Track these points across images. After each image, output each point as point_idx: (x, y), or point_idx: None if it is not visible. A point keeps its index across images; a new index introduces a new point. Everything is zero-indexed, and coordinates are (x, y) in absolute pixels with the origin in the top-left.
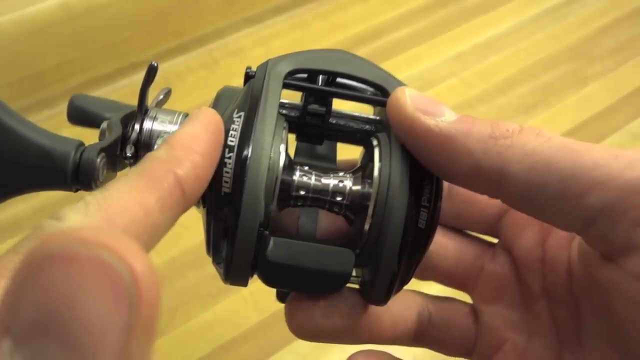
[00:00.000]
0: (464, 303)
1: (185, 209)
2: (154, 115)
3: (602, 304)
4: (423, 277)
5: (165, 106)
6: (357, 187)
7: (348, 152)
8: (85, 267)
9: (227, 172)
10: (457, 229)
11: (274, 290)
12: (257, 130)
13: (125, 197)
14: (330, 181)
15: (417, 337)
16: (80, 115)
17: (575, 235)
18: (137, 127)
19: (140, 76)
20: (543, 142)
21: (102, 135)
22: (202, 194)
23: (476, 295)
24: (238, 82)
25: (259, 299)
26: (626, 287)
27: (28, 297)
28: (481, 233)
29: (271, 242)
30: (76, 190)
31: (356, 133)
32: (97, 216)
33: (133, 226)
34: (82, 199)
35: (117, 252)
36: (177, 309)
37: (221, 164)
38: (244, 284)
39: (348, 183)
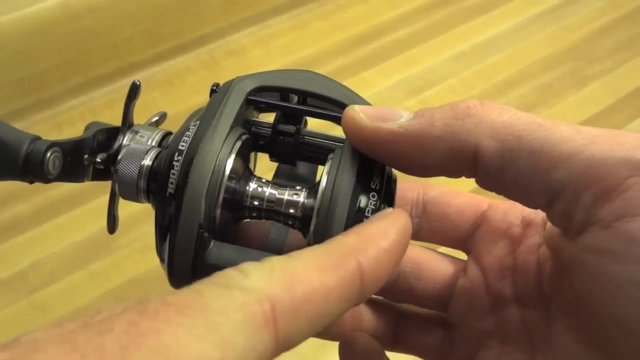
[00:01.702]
0: (438, 314)
1: (356, 303)
2: (136, 131)
3: (569, 291)
4: (400, 300)
5: (167, 102)
6: (310, 200)
7: None
8: None
9: (173, 174)
10: (430, 249)
11: None
12: (207, 137)
13: (309, 272)
14: (285, 193)
15: (395, 342)
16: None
17: (544, 233)
18: (118, 141)
19: (140, 76)
20: (511, 116)
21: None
22: (374, 293)
23: (450, 310)
24: None
25: None
26: (585, 262)
27: None
28: (453, 248)
29: (211, 245)
30: (31, 182)
31: (323, 152)
32: (279, 283)
33: (308, 303)
34: (269, 261)
35: None
36: None
37: (169, 166)
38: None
39: (302, 195)
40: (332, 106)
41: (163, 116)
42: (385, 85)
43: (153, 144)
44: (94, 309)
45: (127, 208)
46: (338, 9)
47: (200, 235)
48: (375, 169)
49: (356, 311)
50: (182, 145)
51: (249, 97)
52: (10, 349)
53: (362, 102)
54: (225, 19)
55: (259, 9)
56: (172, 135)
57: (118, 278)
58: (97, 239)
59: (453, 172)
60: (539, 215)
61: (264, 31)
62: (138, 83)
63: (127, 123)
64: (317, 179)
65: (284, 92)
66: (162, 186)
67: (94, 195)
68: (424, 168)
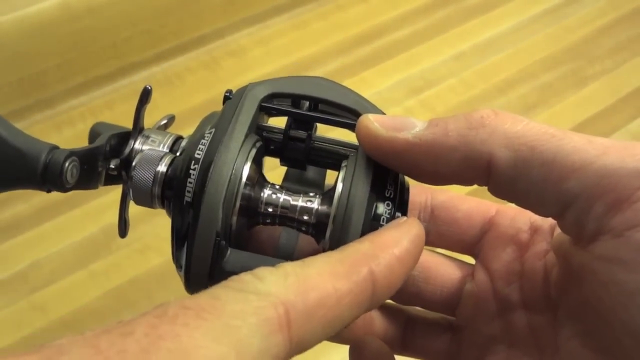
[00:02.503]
0: (446, 318)
1: (368, 309)
2: (147, 135)
3: (577, 297)
4: (408, 303)
5: (167, 102)
6: (324, 207)
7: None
8: None
9: (190, 183)
10: (438, 252)
11: None
12: (223, 145)
13: (322, 278)
14: (299, 200)
15: (403, 346)
16: None
17: (552, 240)
18: (129, 146)
19: (140, 76)
20: (524, 126)
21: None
22: (386, 300)
23: (457, 314)
24: (238, 82)
25: None
26: (596, 270)
27: None
28: (461, 252)
29: (228, 253)
30: (49, 191)
31: (335, 158)
32: (293, 289)
33: (321, 308)
34: (283, 267)
35: None
36: None
37: (186, 174)
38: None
39: (316, 202)
40: (343, 112)
41: (171, 119)
42: (385, 85)
43: (165, 149)
44: (93, 309)
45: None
46: (338, 9)
47: (217, 243)
48: (389, 177)
49: (367, 315)
50: (198, 154)
51: (262, 104)
52: (36, 352)
53: (374, 109)
54: (225, 19)
55: (258, 9)
56: (185, 141)
57: (118, 278)
58: (97, 239)
59: (466, 180)
60: (546, 221)
61: (263, 31)
62: (149, 88)
63: (138, 127)
64: (327, 183)
65: (299, 99)
66: (179, 194)
67: (94, 196)
68: (437, 177)
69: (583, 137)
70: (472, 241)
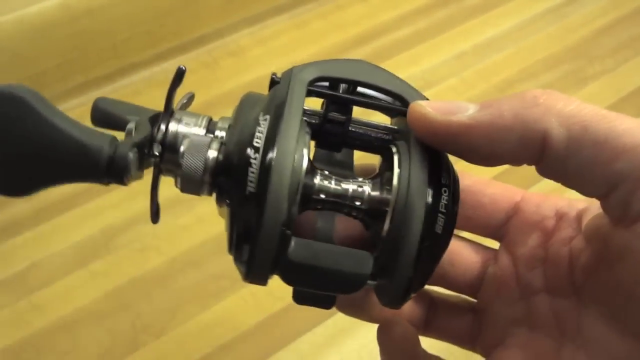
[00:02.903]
0: (467, 299)
1: None
2: (179, 118)
3: (607, 280)
4: (432, 283)
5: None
6: (376, 193)
7: (362, 159)
8: None
9: (252, 172)
10: (462, 237)
11: (274, 291)
12: (281, 133)
13: None
14: (350, 186)
15: (426, 327)
16: (104, 117)
17: (577, 231)
18: (163, 127)
19: (140, 76)
20: (577, 106)
21: (128, 135)
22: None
23: (480, 296)
24: (238, 82)
25: (259, 299)
26: (638, 249)
27: None
28: (486, 236)
29: (292, 242)
30: (107, 184)
31: (374, 141)
32: None
33: None
34: None
35: None
36: (177, 309)
37: (246, 163)
38: (264, 283)
39: (367, 188)
40: (383, 96)
41: (191, 97)
42: None
43: (201, 130)
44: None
45: (126, 209)
46: (338, 9)
47: (283, 233)
48: (443, 163)
49: None
50: (257, 142)
51: (309, 88)
52: None
53: (419, 94)
54: (225, 19)
55: (258, 9)
56: (224, 123)
57: (118, 278)
58: (97, 239)
59: (519, 160)
60: (573, 209)
61: (263, 31)
62: (184, 68)
63: (170, 109)
64: (355, 163)
65: (345, 83)
66: (240, 184)
67: (94, 195)
68: (493, 157)
69: (635, 121)
70: (497, 225)
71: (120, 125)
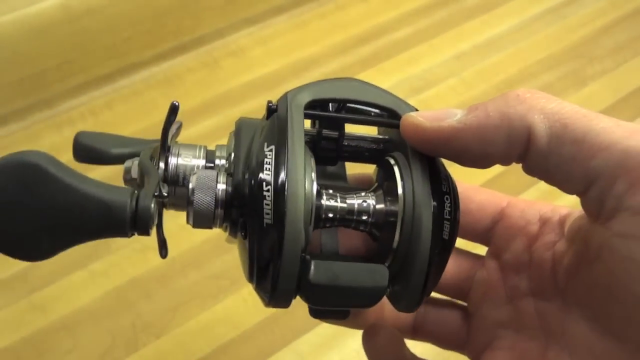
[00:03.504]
0: (456, 303)
1: None
2: (176, 152)
3: (587, 281)
4: None
5: (167, 102)
6: (381, 206)
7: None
8: None
9: (267, 205)
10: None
11: None
12: (289, 163)
13: None
14: (355, 201)
15: (415, 329)
16: (86, 152)
17: (560, 236)
18: (162, 165)
19: (140, 76)
20: (558, 104)
21: (127, 173)
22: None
23: (469, 300)
24: (238, 82)
25: (259, 299)
26: (614, 246)
27: None
28: (473, 241)
29: (312, 266)
30: (131, 236)
31: (365, 152)
32: None
33: None
34: None
35: None
36: (177, 309)
37: (259, 197)
38: (287, 305)
39: (371, 202)
40: (373, 110)
41: (180, 127)
42: (385, 85)
43: (200, 161)
44: (93, 309)
45: None
46: (338, 9)
47: (303, 259)
48: (440, 172)
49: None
50: (267, 174)
51: (305, 112)
52: None
53: (409, 106)
54: (225, 19)
55: (258, 9)
56: (222, 151)
57: (118, 278)
58: None
59: (509, 159)
60: (555, 214)
61: (263, 31)
62: (177, 104)
63: (166, 145)
64: (348, 173)
65: (339, 102)
66: (255, 217)
67: None
68: (485, 158)
69: (612, 120)
70: (484, 230)
71: (104, 159)
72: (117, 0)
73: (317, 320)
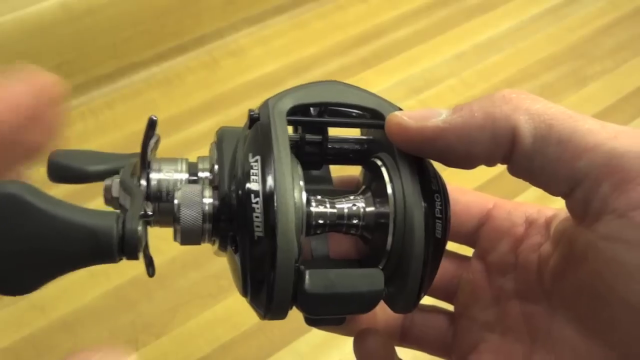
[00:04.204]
0: (442, 309)
1: None
2: (157, 167)
3: (573, 283)
4: None
5: (167, 102)
6: (371, 208)
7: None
8: None
9: (257, 217)
10: None
11: None
12: (277, 172)
13: None
14: (344, 205)
15: (402, 335)
16: (62, 172)
17: (546, 238)
18: (143, 182)
19: (140, 76)
20: (543, 105)
21: (107, 192)
22: None
23: (456, 302)
24: (238, 82)
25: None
26: (600, 248)
27: None
28: (459, 243)
29: (307, 275)
30: (119, 261)
31: (349, 154)
32: None
33: None
34: None
35: None
36: (177, 309)
37: (249, 209)
38: (284, 317)
39: (360, 205)
40: (356, 112)
41: (158, 140)
42: (385, 85)
43: (183, 175)
44: (93, 309)
45: None
46: (338, 9)
47: (297, 269)
48: (429, 170)
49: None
50: (255, 187)
51: (288, 118)
52: None
53: (393, 106)
54: (225, 19)
55: (258, 9)
56: (203, 163)
57: (118, 278)
58: None
59: (494, 159)
60: (541, 215)
61: (263, 31)
62: (155, 118)
63: (146, 162)
64: (333, 176)
65: (321, 106)
66: (246, 230)
67: (94, 196)
68: (469, 158)
69: (597, 122)
70: (470, 232)
71: (81, 177)
72: (117, 0)
73: None
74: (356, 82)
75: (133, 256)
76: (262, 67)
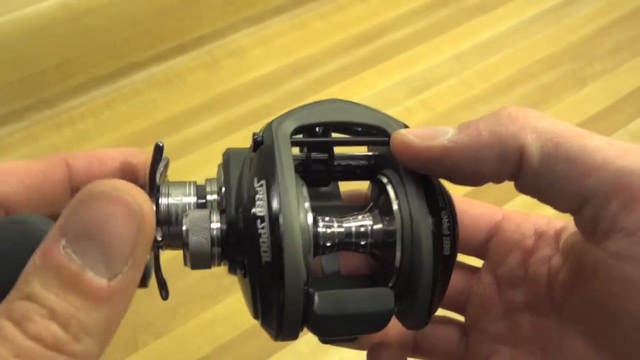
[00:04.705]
0: (453, 320)
1: None
2: (166, 192)
3: (583, 297)
4: None
5: (167, 102)
6: (379, 226)
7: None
8: (116, 202)
9: (263, 242)
10: None
11: None
12: (282, 197)
13: None
14: (352, 224)
15: (415, 347)
16: None
17: (555, 250)
18: (154, 207)
19: (140, 76)
20: (550, 123)
21: None
22: None
23: (466, 314)
24: (238, 82)
25: None
26: (609, 266)
27: (81, 213)
28: (468, 255)
29: (316, 298)
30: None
31: (356, 170)
32: None
33: None
34: None
35: (134, 196)
36: (177, 309)
37: (256, 234)
38: (295, 338)
39: (368, 223)
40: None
41: (167, 164)
42: (385, 85)
43: (192, 198)
44: None
45: None
46: (338, 9)
47: (306, 292)
48: (435, 187)
49: None
50: (260, 212)
51: (292, 140)
52: None
53: (397, 123)
54: (225, 19)
55: (259, 9)
56: (223, 189)
57: None
58: None
59: (501, 177)
60: (551, 228)
61: (264, 31)
62: (161, 144)
63: (155, 187)
64: (342, 190)
65: (325, 126)
66: (253, 256)
67: None
68: (476, 177)
69: (605, 139)
70: (479, 244)
71: None
72: (117, 0)
73: None
74: (356, 82)
75: (142, 284)
76: (262, 67)
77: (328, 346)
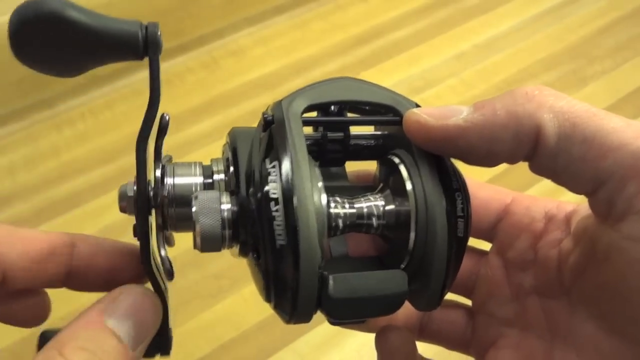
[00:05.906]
0: (460, 303)
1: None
2: (171, 172)
3: (594, 280)
4: None
5: (167, 102)
6: (391, 207)
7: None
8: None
9: (278, 225)
10: None
11: None
12: (295, 178)
13: None
14: (363, 204)
15: (421, 330)
16: None
17: (566, 233)
18: (156, 183)
19: (140, 76)
20: (567, 102)
21: (122, 199)
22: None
23: (474, 297)
24: (238, 82)
25: (259, 299)
26: (623, 248)
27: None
28: (477, 238)
29: (331, 281)
30: (142, 58)
31: (365, 150)
32: None
33: None
34: None
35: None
36: (177, 309)
37: (270, 217)
38: (308, 321)
39: (380, 203)
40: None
41: (170, 158)
42: (385, 85)
43: (198, 178)
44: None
45: None
46: (338, 9)
47: (321, 275)
48: (448, 167)
49: None
50: (274, 194)
51: (304, 118)
52: None
53: (408, 102)
54: (225, 19)
55: (259, 9)
56: (231, 169)
57: None
58: None
59: (516, 157)
60: (561, 211)
61: (263, 31)
62: (167, 117)
63: (160, 163)
64: (349, 171)
65: (336, 105)
66: (267, 239)
67: (94, 195)
68: (491, 157)
69: (623, 120)
70: (488, 227)
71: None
72: (117, 0)
73: (317, 320)
74: None
75: (154, 52)
76: (262, 67)
77: (328, 346)
